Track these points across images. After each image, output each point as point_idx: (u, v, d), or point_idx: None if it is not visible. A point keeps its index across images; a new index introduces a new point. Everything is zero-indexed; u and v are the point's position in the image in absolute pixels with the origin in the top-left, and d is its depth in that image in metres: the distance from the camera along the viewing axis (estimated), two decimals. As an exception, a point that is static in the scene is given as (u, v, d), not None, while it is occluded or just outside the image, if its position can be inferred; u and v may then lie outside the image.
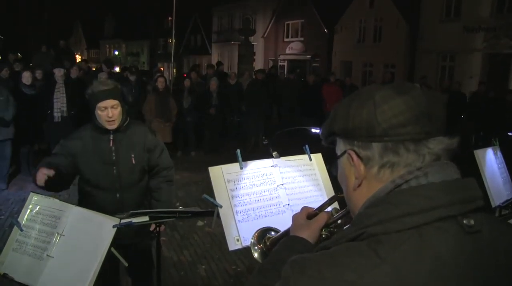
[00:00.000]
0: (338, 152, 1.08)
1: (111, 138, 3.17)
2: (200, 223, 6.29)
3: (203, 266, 5.12)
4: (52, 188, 2.85)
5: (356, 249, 0.88)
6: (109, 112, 3.06)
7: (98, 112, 3.08)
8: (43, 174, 2.69)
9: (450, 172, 0.96)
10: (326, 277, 0.85)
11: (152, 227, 3.15)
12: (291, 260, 0.93)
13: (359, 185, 1.02)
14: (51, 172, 2.72)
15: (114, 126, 3.13)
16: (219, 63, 15.73)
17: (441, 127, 0.96)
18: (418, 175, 0.94)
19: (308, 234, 1.33)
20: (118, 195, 3.20)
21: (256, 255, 1.59)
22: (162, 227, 3.29)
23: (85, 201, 3.22)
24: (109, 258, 2.42)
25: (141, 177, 3.34)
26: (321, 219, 1.36)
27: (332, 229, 1.39)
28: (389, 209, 0.91)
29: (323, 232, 1.37)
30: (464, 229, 0.89)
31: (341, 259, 0.87)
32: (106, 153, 3.17)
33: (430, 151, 0.96)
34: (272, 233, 1.65)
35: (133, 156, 3.23)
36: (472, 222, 0.90)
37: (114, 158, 3.18)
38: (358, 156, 1.00)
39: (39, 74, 9.15)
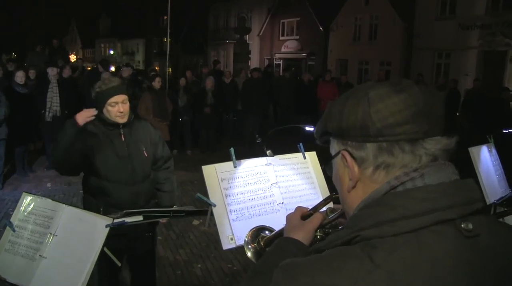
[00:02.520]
0: (332, 152, 1.05)
1: (122, 132, 3.27)
2: (195, 222, 6.28)
3: (199, 265, 5.12)
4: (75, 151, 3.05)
5: (350, 253, 0.85)
6: (120, 107, 3.18)
7: (108, 108, 3.19)
8: (89, 111, 3.00)
9: (447, 173, 0.93)
10: (318, 282, 0.83)
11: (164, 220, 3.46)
12: (282, 264, 0.91)
13: (354, 187, 0.99)
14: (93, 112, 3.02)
15: (124, 119, 3.25)
16: (216, 62, 15.70)
17: (439, 126, 0.93)
18: (415, 176, 0.91)
19: (303, 235, 1.29)
20: (134, 189, 3.29)
21: (249, 254, 1.57)
22: (164, 220, 3.49)
23: (99, 198, 3.26)
24: (107, 257, 2.41)
25: (151, 169, 3.47)
26: (316, 220, 1.33)
27: (327, 230, 1.36)
28: (385, 212, 0.88)
29: (318, 233, 1.34)
30: (462, 233, 0.86)
31: (334, 264, 0.84)
32: (119, 148, 3.26)
33: (427, 151, 0.92)
34: (267, 232, 1.63)
35: (144, 149, 3.35)
36: (470, 225, 0.86)
37: (127, 152, 3.27)
38: (352, 156, 0.97)
39: (32, 73, 9.11)
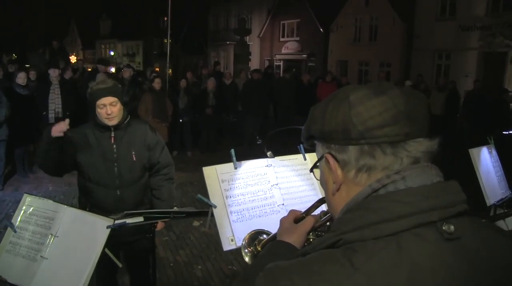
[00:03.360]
0: (317, 156, 1.05)
1: (112, 135, 3.22)
2: (196, 223, 6.28)
3: (199, 266, 5.12)
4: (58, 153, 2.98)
5: (331, 257, 0.86)
6: (108, 109, 3.12)
7: (98, 110, 3.15)
8: (62, 125, 2.87)
9: (430, 175, 0.92)
10: None
11: (161, 226, 3.29)
12: (266, 269, 0.91)
13: (338, 190, 0.99)
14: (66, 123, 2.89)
15: (114, 122, 3.18)
16: (216, 63, 15.74)
17: (422, 128, 0.93)
18: (396, 179, 0.91)
19: (294, 238, 1.29)
20: (118, 192, 3.24)
21: (247, 258, 1.57)
22: (161, 225, 3.36)
23: (85, 197, 3.28)
24: (106, 258, 2.42)
25: (142, 174, 3.37)
26: (308, 223, 1.33)
27: (319, 233, 1.36)
28: (366, 215, 0.88)
29: (311, 236, 1.35)
30: (443, 235, 0.85)
31: (315, 268, 0.84)
32: (108, 150, 3.21)
33: (408, 153, 0.92)
34: (264, 235, 1.62)
35: (133, 153, 3.27)
36: (452, 228, 0.86)
37: (115, 155, 3.22)
38: (335, 159, 0.97)
39: (32, 75, 9.11)
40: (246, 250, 1.58)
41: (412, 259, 0.82)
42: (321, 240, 0.93)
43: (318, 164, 1.07)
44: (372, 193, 0.92)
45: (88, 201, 3.21)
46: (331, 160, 0.98)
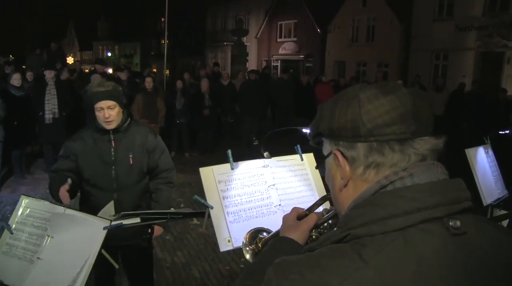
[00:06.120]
0: (325, 152, 1.07)
1: (112, 138, 3.21)
2: (193, 223, 6.28)
3: (197, 267, 5.12)
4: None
5: (340, 251, 0.87)
6: (106, 113, 3.09)
7: (96, 113, 3.14)
8: (64, 193, 2.77)
9: (436, 173, 0.95)
10: (308, 280, 0.84)
11: (158, 231, 3.30)
12: (275, 263, 0.92)
13: (345, 186, 1.01)
14: (67, 187, 2.79)
15: (112, 126, 3.16)
16: (215, 64, 15.77)
17: (427, 127, 0.95)
18: (403, 175, 0.93)
19: (297, 235, 1.32)
20: (115, 196, 3.20)
21: (248, 256, 1.58)
22: (159, 231, 3.39)
23: (84, 200, 3.28)
24: (103, 260, 2.41)
25: (140, 178, 3.34)
26: (311, 220, 1.35)
27: (322, 230, 1.38)
28: (374, 211, 0.90)
29: (313, 233, 1.37)
30: (449, 230, 0.87)
31: (324, 261, 0.86)
32: (106, 153, 3.20)
33: (415, 151, 0.94)
34: (264, 233, 1.64)
35: (131, 156, 3.24)
36: (458, 223, 0.88)
37: (113, 158, 3.21)
38: (343, 156, 0.99)
39: (29, 76, 9.08)
40: (248, 248, 1.59)
41: (419, 254, 0.84)
42: (328, 236, 0.95)
43: (325, 161, 1.09)
44: (380, 189, 0.94)
45: (87, 204, 3.20)
46: (340, 156, 1.00)
